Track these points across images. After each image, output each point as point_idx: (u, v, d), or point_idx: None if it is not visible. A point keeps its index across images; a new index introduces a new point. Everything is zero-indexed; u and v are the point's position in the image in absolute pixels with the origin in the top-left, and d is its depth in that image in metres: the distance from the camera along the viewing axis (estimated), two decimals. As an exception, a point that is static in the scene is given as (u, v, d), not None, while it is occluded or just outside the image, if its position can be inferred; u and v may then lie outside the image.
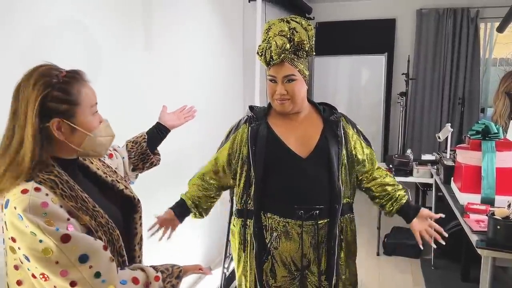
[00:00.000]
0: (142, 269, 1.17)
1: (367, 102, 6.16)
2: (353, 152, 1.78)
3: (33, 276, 1.04)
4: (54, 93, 1.05)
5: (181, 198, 1.93)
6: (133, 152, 1.57)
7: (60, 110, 1.07)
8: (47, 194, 1.03)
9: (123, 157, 1.55)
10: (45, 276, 1.01)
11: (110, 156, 1.46)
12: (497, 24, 5.70)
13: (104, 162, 1.34)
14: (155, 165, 1.66)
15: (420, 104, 6.17)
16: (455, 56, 5.94)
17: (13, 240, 1.01)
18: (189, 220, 2.98)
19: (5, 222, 1.03)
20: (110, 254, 1.09)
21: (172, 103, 2.79)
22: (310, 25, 1.72)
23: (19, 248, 1.01)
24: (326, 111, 1.83)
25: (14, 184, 1.03)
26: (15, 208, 1.00)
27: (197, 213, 1.93)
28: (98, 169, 1.28)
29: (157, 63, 2.56)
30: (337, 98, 6.27)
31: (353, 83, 6.23)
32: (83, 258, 1.02)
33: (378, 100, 6.09)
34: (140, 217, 1.35)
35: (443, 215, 1.83)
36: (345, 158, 1.76)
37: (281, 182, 1.74)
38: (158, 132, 1.69)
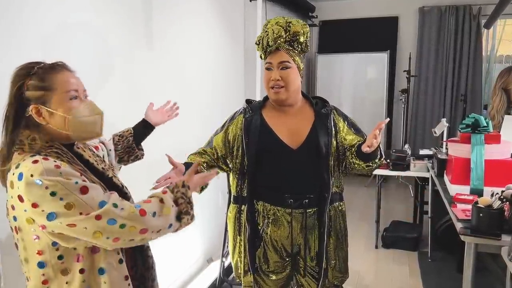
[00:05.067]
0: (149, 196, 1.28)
1: (370, 99, 6.22)
2: (343, 143, 1.86)
3: (59, 234, 1.12)
4: (29, 82, 1.17)
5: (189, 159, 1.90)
6: (119, 145, 1.66)
7: (36, 97, 1.18)
8: (55, 161, 1.15)
9: (110, 149, 1.64)
10: (72, 224, 1.10)
11: (96, 148, 1.54)
12: (499, 21, 5.74)
13: (93, 152, 1.43)
14: (139, 158, 1.74)
15: (423, 101, 6.23)
16: (457, 53, 5.98)
17: (35, 205, 1.10)
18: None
19: (19, 195, 1.11)
20: (118, 196, 1.20)
21: (174, 99, 2.89)
22: (305, 25, 1.82)
23: (42, 211, 1.10)
24: (318, 104, 1.91)
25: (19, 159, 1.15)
26: (31, 175, 1.08)
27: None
28: (90, 157, 1.37)
29: (159, 62, 2.65)
30: (342, 96, 6.34)
31: (357, 81, 6.29)
32: (102, 204, 1.13)
33: (381, 97, 6.15)
34: None
35: (388, 119, 1.82)
36: (335, 149, 1.84)
37: (272, 171, 1.83)
38: (144, 129, 1.76)
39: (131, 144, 1.67)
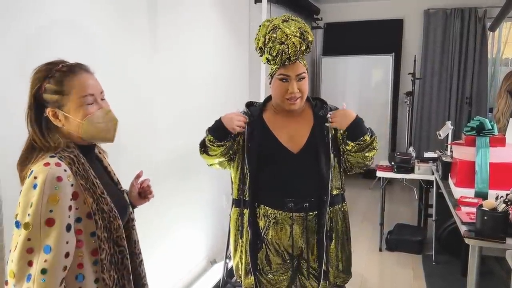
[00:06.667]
0: None
1: (375, 101, 6.21)
2: (341, 142, 1.83)
3: (15, 246, 1.11)
4: (47, 86, 1.19)
5: None
6: None
7: (52, 100, 1.19)
8: (65, 170, 1.15)
9: None
10: (16, 247, 1.10)
11: None
12: (504, 23, 5.72)
13: (108, 163, 1.44)
14: None
15: (427, 104, 6.21)
16: (462, 56, 5.96)
17: (18, 204, 1.13)
18: (194, 215, 3.11)
19: (21, 190, 1.14)
20: (67, 264, 1.13)
21: (178, 103, 2.91)
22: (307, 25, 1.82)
23: (17, 214, 1.12)
24: (317, 106, 1.89)
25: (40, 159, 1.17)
26: (35, 177, 1.11)
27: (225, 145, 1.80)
28: (108, 165, 1.39)
29: (163, 64, 2.66)
30: (346, 98, 6.32)
31: (361, 83, 6.28)
32: (46, 249, 1.09)
33: (386, 99, 6.14)
34: (134, 223, 1.44)
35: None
36: (334, 149, 1.82)
37: (273, 176, 1.82)
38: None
39: None
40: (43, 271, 1.09)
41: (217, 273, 3.22)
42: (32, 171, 1.13)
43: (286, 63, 1.70)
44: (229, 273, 3.04)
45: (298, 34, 1.68)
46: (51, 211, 1.10)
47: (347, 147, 1.78)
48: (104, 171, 1.36)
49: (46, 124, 1.21)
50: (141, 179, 1.52)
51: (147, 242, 2.41)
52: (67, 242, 1.13)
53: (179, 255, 2.92)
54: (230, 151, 1.85)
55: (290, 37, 1.66)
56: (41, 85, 1.19)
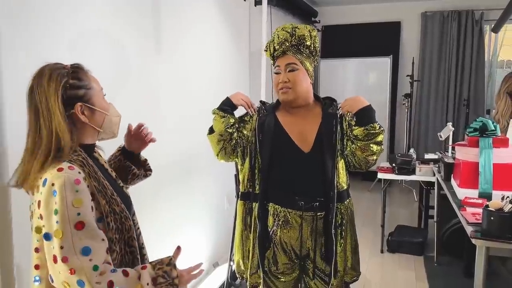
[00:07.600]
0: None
1: (373, 103, 6.13)
2: (350, 136, 1.84)
3: (53, 257, 1.09)
4: (70, 81, 1.16)
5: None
6: (112, 165, 1.53)
7: (79, 95, 1.18)
8: (79, 172, 1.12)
9: None
10: (55, 258, 1.07)
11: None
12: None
13: (105, 160, 1.41)
14: (141, 176, 1.58)
15: (425, 106, 6.24)
16: (460, 58, 5.99)
17: (41, 217, 1.09)
18: (196, 217, 3.09)
19: (39, 201, 1.10)
20: (108, 259, 1.13)
21: (181, 106, 2.90)
22: (313, 29, 1.87)
23: (43, 226, 1.09)
24: (326, 104, 1.93)
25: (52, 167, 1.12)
26: (52, 184, 1.07)
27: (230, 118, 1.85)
28: (105, 163, 1.37)
29: (167, 67, 2.67)
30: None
31: (359, 85, 6.29)
32: (85, 251, 1.07)
33: (384, 101, 6.15)
34: (135, 217, 1.41)
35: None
36: (340, 145, 1.84)
37: (283, 174, 1.83)
38: (128, 154, 1.57)
39: (124, 163, 1.54)
40: (95, 268, 1.07)
41: (219, 276, 3.20)
42: (45, 179, 1.10)
43: (275, 54, 1.85)
44: (233, 275, 3.02)
45: (288, 30, 1.81)
46: (78, 214, 1.08)
47: (354, 132, 1.78)
48: (102, 168, 1.34)
49: (72, 123, 1.17)
50: None
51: (149, 244, 2.39)
52: (102, 240, 1.12)
53: (181, 258, 2.89)
54: (233, 138, 1.85)
55: (278, 31, 1.83)
56: (66, 81, 1.16)
